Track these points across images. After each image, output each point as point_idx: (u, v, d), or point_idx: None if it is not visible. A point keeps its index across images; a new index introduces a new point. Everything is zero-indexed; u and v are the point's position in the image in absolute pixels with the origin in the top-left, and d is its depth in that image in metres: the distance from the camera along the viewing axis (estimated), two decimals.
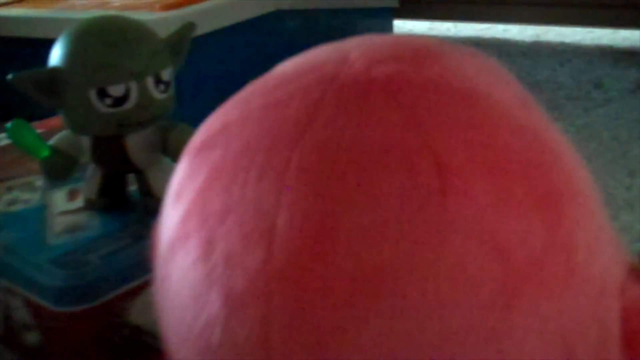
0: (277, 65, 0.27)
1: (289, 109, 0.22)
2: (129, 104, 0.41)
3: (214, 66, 0.77)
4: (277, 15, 0.86)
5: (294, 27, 0.91)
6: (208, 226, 0.21)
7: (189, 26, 0.45)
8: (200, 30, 0.64)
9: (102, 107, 0.40)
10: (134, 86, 0.40)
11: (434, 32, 1.30)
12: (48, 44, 0.77)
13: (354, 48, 0.24)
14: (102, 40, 0.41)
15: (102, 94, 0.40)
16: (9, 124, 0.42)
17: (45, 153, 0.43)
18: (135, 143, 0.43)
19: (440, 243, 0.19)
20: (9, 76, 0.40)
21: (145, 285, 0.40)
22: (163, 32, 0.44)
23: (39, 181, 0.51)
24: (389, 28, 1.13)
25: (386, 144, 0.20)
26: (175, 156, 0.43)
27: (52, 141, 0.44)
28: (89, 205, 0.45)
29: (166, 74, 0.42)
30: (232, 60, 0.81)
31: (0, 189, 0.50)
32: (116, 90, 0.40)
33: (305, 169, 0.20)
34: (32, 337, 0.42)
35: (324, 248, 0.20)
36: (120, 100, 0.40)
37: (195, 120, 0.46)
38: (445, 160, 0.20)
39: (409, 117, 0.21)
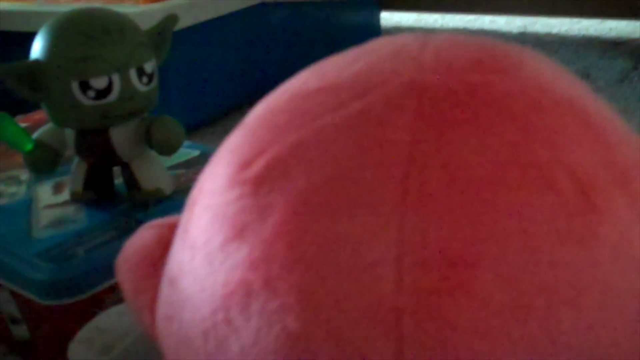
0: (316, 67, 0.24)
1: (382, 127, 0.19)
2: (112, 96, 0.40)
3: (198, 59, 0.77)
4: (262, 8, 0.86)
5: (279, 19, 0.91)
6: (301, 268, 0.18)
7: (172, 18, 0.45)
8: (183, 23, 0.64)
9: (85, 100, 0.40)
10: (116, 78, 0.40)
11: (421, 24, 1.30)
12: (32, 37, 0.77)
13: (417, 51, 0.21)
14: (83, 32, 0.40)
15: (85, 86, 0.40)
16: None
17: (29, 147, 0.43)
18: (120, 135, 0.43)
19: (593, 264, 0.18)
20: None
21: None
22: (147, 25, 0.44)
23: (24, 175, 0.50)
24: (376, 20, 1.13)
25: (515, 160, 0.18)
26: (158, 148, 0.42)
27: (35, 135, 0.44)
28: (75, 198, 0.45)
29: (149, 66, 0.42)
30: (217, 53, 0.81)
31: None
32: (99, 82, 0.40)
33: (430, 196, 0.18)
34: (20, 331, 0.42)
35: (466, 279, 0.17)
36: (103, 93, 0.40)
37: (179, 114, 0.46)
38: (582, 176, 0.18)
39: (528, 130, 0.19)
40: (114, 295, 0.40)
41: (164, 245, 0.24)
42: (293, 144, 0.20)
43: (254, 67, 0.87)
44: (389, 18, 1.29)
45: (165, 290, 0.22)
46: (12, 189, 0.48)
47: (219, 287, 0.19)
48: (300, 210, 0.18)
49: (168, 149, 0.43)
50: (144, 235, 0.25)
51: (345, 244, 0.18)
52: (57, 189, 0.48)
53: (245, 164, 0.20)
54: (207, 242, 0.20)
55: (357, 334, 0.17)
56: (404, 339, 0.17)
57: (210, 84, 0.81)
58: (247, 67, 0.87)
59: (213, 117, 0.81)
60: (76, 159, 0.45)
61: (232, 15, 0.81)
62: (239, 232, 0.19)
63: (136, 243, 0.25)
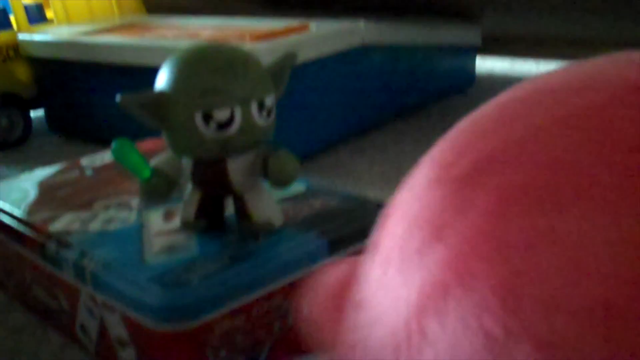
0: (521, 83, 0.22)
1: (606, 122, 0.17)
2: (233, 129, 0.41)
3: (301, 97, 0.78)
4: (363, 50, 0.87)
5: (378, 62, 0.91)
6: (502, 264, 0.17)
7: (291, 56, 0.45)
8: None
9: (207, 131, 0.41)
10: (238, 111, 0.41)
11: (515, 70, 1.29)
12: (139, 70, 0.79)
13: None
14: (209, 65, 0.41)
15: (208, 118, 0.40)
16: (114, 143, 0.43)
17: (147, 174, 0.43)
18: (236, 167, 0.43)
19: None
20: (117, 97, 0.40)
21: (245, 308, 0.40)
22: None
23: (134, 201, 0.51)
24: (472, 65, 1.13)
25: None
26: (274, 180, 0.43)
27: (153, 162, 0.44)
28: (186, 227, 0.46)
29: (269, 100, 0.42)
30: (318, 92, 0.82)
31: (97, 208, 0.51)
32: (221, 114, 0.40)
33: None
34: (127, 354, 0.42)
35: None
36: (224, 125, 0.41)
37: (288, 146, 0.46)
38: None
39: None
40: (225, 323, 0.40)
41: (349, 280, 0.23)
42: (501, 142, 0.18)
43: (355, 105, 0.88)
44: (481, 64, 1.28)
45: (350, 319, 0.21)
46: (124, 214, 0.49)
47: (413, 293, 0.18)
48: (506, 204, 0.17)
49: (284, 182, 0.43)
50: (327, 273, 0.24)
51: (556, 240, 0.16)
52: (168, 216, 0.48)
53: (449, 165, 0.19)
54: (402, 249, 0.19)
55: (567, 335, 0.15)
56: (615, 340, 0.15)
57: (312, 119, 0.82)
58: (348, 105, 0.87)
59: (316, 151, 0.82)
60: (189, 188, 0.46)
61: (333, 56, 0.82)
62: (437, 232, 0.18)
63: (319, 282, 0.24)
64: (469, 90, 1.11)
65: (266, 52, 0.44)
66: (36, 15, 1.03)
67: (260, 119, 0.42)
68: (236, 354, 0.41)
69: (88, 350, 0.46)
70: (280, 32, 0.81)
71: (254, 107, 0.41)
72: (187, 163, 0.44)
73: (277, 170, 0.42)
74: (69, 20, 1.07)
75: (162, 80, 0.42)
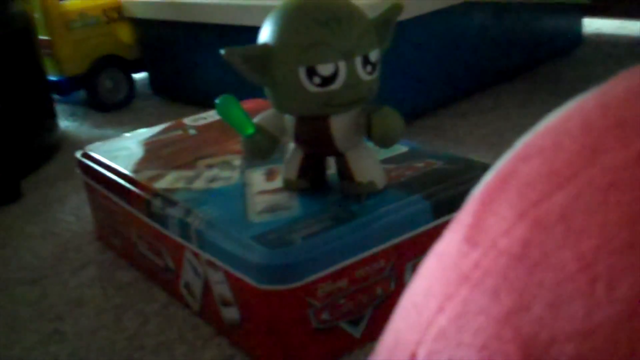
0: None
1: None
2: (337, 84, 0.40)
3: (402, 57, 0.76)
4: (467, 7, 0.84)
5: (481, 20, 0.88)
6: None
7: (397, 8, 0.44)
8: None
9: (310, 86, 0.40)
10: (342, 66, 0.40)
11: (624, 32, 1.23)
12: (242, 30, 0.79)
13: None
14: (313, 19, 0.40)
15: (312, 72, 0.40)
16: (218, 99, 0.43)
17: (250, 130, 0.43)
18: (340, 124, 0.42)
19: None
20: (222, 50, 0.40)
21: (347, 270, 0.40)
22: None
23: (237, 160, 0.51)
24: (578, 26, 1.08)
25: None
26: (378, 139, 0.42)
27: (255, 119, 0.44)
28: (288, 186, 0.45)
29: (374, 55, 0.41)
30: (419, 52, 0.80)
31: (200, 166, 0.51)
32: (325, 69, 0.40)
33: None
34: (230, 313, 0.42)
35: None
36: (328, 80, 0.40)
37: (393, 105, 0.45)
38: None
39: None
40: (327, 285, 0.39)
41: None
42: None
43: (457, 66, 0.85)
44: (588, 25, 1.22)
45: None
46: (226, 173, 0.49)
47: (551, 281, 0.15)
48: None
49: (388, 141, 0.42)
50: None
51: None
52: (269, 176, 0.48)
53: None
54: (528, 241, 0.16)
55: None
56: None
57: (416, 77, 0.80)
58: (450, 66, 0.85)
59: (416, 114, 0.80)
60: (292, 147, 0.45)
61: (436, 13, 0.80)
62: (581, 227, 0.15)
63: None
64: (576, 51, 1.07)
65: (368, 8, 0.42)
66: None
67: (364, 74, 0.41)
68: (338, 317, 0.40)
69: (192, 308, 0.47)
70: None
71: (358, 62, 0.40)
72: (289, 120, 0.43)
73: (381, 128, 0.41)
74: None
75: (266, 33, 0.41)
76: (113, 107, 0.99)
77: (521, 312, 0.15)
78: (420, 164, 0.47)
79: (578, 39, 1.08)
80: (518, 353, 0.14)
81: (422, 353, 0.17)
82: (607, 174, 0.15)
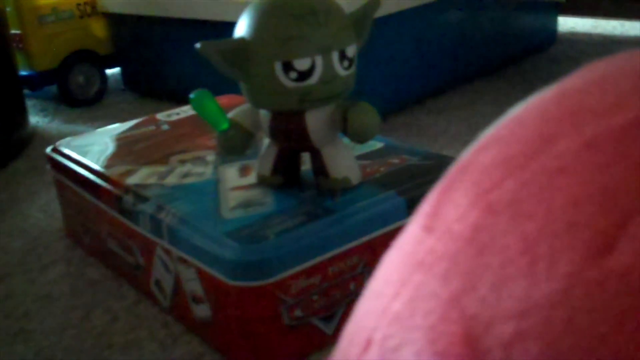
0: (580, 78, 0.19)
1: None
2: (313, 79, 0.39)
3: (378, 52, 0.76)
4: (443, 4, 0.84)
5: (458, 16, 0.88)
6: None
7: (374, 4, 0.43)
8: None
9: (287, 81, 0.39)
10: (319, 61, 0.39)
11: (598, 30, 1.23)
12: (216, 26, 0.78)
13: None
14: (291, 13, 0.40)
15: (288, 67, 0.39)
16: (193, 94, 0.42)
17: (225, 126, 0.42)
18: (315, 120, 0.42)
19: None
20: (197, 44, 0.39)
21: (320, 267, 0.39)
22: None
23: (211, 156, 0.51)
24: (553, 23, 1.08)
25: None
26: (354, 135, 0.41)
27: (230, 115, 0.43)
28: (262, 182, 0.45)
29: (351, 51, 0.41)
30: (396, 48, 0.79)
31: (173, 162, 0.50)
32: (302, 64, 0.39)
33: None
34: (202, 310, 0.41)
35: None
36: (304, 75, 0.39)
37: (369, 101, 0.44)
38: None
39: None
40: (300, 281, 0.39)
41: None
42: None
43: (433, 63, 0.85)
44: (563, 23, 1.23)
45: None
46: (200, 169, 0.49)
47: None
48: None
49: (364, 137, 0.41)
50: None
51: None
52: (243, 171, 0.47)
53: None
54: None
55: None
56: None
57: (389, 77, 0.79)
58: (426, 63, 0.85)
59: (392, 110, 0.80)
60: (266, 143, 0.44)
61: (414, 9, 0.79)
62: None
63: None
64: (551, 49, 1.07)
65: (344, 4, 0.42)
66: None
67: (341, 70, 0.40)
68: (311, 313, 0.40)
69: (162, 306, 0.46)
70: None
71: (335, 57, 0.40)
72: (265, 115, 0.42)
73: (357, 124, 0.41)
74: None
75: (243, 28, 0.40)
76: (85, 103, 0.98)
77: (467, 294, 0.15)
78: (395, 160, 0.47)
79: (553, 37, 1.08)
80: (461, 333, 0.15)
81: (377, 337, 0.17)
82: (557, 159, 0.16)
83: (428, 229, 0.18)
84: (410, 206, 0.42)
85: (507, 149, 0.17)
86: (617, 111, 0.16)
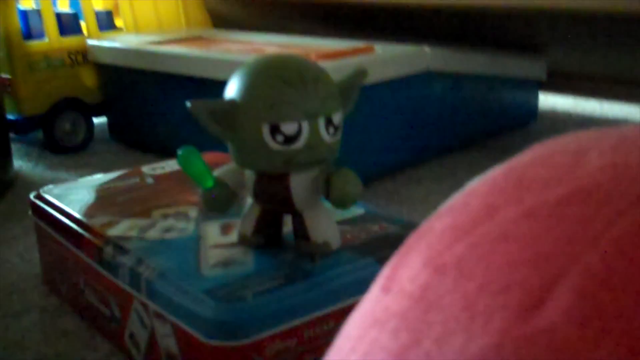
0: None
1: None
2: (299, 144, 0.40)
3: (362, 120, 0.77)
4: (427, 76, 0.86)
5: (441, 90, 0.90)
6: None
7: (361, 73, 0.45)
8: None
9: (273, 144, 0.40)
10: (306, 126, 0.40)
11: (578, 110, 1.26)
12: (204, 82, 0.79)
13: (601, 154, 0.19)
14: (279, 77, 0.41)
15: (275, 130, 0.40)
16: (180, 150, 0.43)
17: (210, 183, 0.43)
18: (299, 183, 0.42)
19: None
20: (188, 103, 0.40)
21: (296, 330, 0.40)
22: None
23: (193, 212, 0.51)
24: (535, 100, 1.11)
25: None
26: (336, 200, 0.42)
27: (216, 173, 0.44)
28: (243, 241, 0.45)
29: (337, 118, 0.42)
30: (379, 117, 0.81)
31: (156, 216, 0.50)
32: (289, 128, 0.40)
33: None
34: None
35: None
36: (291, 139, 0.40)
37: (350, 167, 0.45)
38: None
39: None
40: (276, 343, 0.39)
41: None
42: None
43: (415, 133, 0.87)
44: (544, 100, 1.26)
45: None
46: (182, 224, 0.49)
47: None
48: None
49: (346, 203, 0.42)
50: None
51: None
52: (225, 229, 0.48)
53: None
54: None
55: None
56: None
57: (371, 145, 0.81)
58: (408, 132, 0.86)
59: (373, 177, 0.81)
60: (249, 203, 0.45)
61: (398, 80, 0.81)
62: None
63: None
64: (531, 125, 1.09)
65: (331, 72, 0.43)
66: (105, 23, 1.05)
67: (327, 136, 0.41)
68: None
69: (135, 359, 0.46)
70: (346, 52, 0.80)
71: (321, 123, 0.41)
72: (250, 176, 0.43)
73: (339, 190, 0.41)
74: (137, 29, 1.08)
75: (233, 89, 0.42)
76: (69, 150, 0.98)
77: (412, 348, 0.16)
78: (375, 228, 0.48)
79: (534, 113, 1.11)
80: None
81: None
82: (499, 226, 0.18)
83: (385, 289, 0.19)
84: None
85: (459, 217, 0.19)
86: (554, 185, 0.18)
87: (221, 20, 1.20)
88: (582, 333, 0.14)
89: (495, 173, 0.21)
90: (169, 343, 0.42)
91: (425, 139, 0.89)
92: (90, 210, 0.52)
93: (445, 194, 0.84)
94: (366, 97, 0.76)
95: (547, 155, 0.20)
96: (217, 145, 0.49)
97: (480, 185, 0.20)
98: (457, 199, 0.21)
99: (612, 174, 0.17)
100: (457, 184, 0.77)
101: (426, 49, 0.85)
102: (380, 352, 0.17)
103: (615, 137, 0.20)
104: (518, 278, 0.16)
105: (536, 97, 1.12)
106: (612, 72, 1.17)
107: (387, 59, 0.81)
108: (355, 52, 0.81)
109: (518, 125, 1.07)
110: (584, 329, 0.14)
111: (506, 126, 1.04)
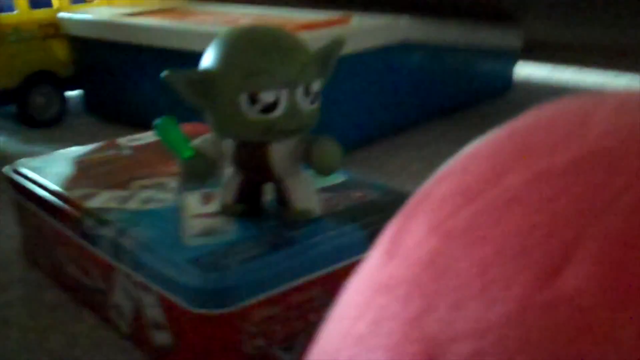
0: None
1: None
2: (278, 112, 0.40)
3: (339, 91, 0.77)
4: (404, 47, 0.86)
5: (418, 60, 0.90)
6: None
7: (339, 42, 0.44)
8: None
9: (251, 113, 0.40)
10: (284, 94, 0.40)
11: (554, 78, 1.27)
12: (179, 54, 0.79)
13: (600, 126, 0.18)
14: (257, 46, 0.41)
15: (253, 99, 0.40)
16: (158, 120, 0.42)
17: (188, 153, 0.43)
18: (278, 152, 0.42)
19: None
20: (163, 73, 0.40)
21: (282, 297, 0.40)
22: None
23: (173, 183, 0.51)
24: (510, 70, 1.11)
25: None
26: (317, 167, 0.42)
27: (194, 143, 0.44)
28: (225, 211, 0.45)
29: (315, 86, 0.42)
30: (357, 87, 0.81)
31: (135, 187, 0.50)
32: (267, 96, 0.40)
33: None
34: (162, 337, 0.41)
35: None
36: (269, 108, 0.40)
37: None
38: None
39: None
40: (262, 310, 0.39)
41: None
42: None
43: (392, 103, 0.87)
44: (519, 70, 1.26)
45: None
46: (162, 195, 0.49)
47: None
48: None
49: (327, 170, 0.42)
50: None
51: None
52: (206, 199, 0.48)
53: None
54: None
55: None
56: None
57: (350, 115, 0.81)
58: (386, 102, 0.86)
59: (352, 147, 0.81)
60: (230, 172, 0.45)
61: (375, 50, 0.81)
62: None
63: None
64: (507, 95, 1.10)
65: (309, 43, 0.43)
66: None
67: (305, 104, 0.41)
68: (272, 343, 0.40)
69: (121, 331, 0.46)
70: (322, 23, 0.80)
71: (299, 92, 0.41)
72: (229, 145, 0.43)
73: (320, 157, 0.42)
74: (110, 0, 1.07)
75: (210, 59, 0.41)
76: (43, 124, 0.97)
77: (427, 315, 0.16)
78: (357, 194, 0.48)
79: (509, 83, 1.11)
80: (422, 351, 0.16)
81: (341, 359, 0.18)
82: (507, 192, 0.18)
83: (390, 255, 0.19)
84: (371, 240, 0.43)
85: (462, 181, 0.19)
86: (558, 150, 0.18)
87: None
88: (604, 298, 0.14)
89: (495, 137, 0.20)
90: (155, 313, 0.41)
91: (403, 109, 0.89)
92: (69, 183, 0.52)
93: (424, 162, 0.84)
94: (344, 67, 0.76)
95: (547, 120, 0.20)
96: (192, 117, 0.49)
97: (480, 150, 0.20)
98: (456, 163, 0.20)
99: (618, 137, 0.17)
100: (435, 152, 0.78)
101: (403, 19, 0.85)
102: (391, 320, 0.17)
103: (614, 101, 0.20)
104: (535, 242, 0.16)
105: (512, 67, 1.12)
106: (588, 40, 1.18)
107: (364, 29, 0.81)
108: (332, 22, 0.81)
109: (494, 95, 1.07)
110: (606, 293, 0.14)
111: (483, 95, 1.05)
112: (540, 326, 0.14)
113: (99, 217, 0.46)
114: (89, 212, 0.47)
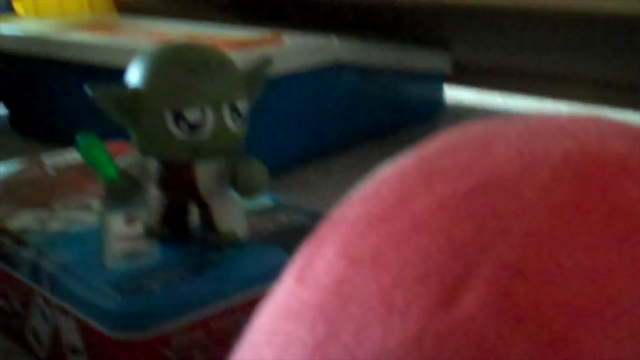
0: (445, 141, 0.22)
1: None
2: (204, 132, 0.40)
3: (270, 111, 0.77)
4: (335, 68, 0.86)
5: (349, 81, 0.91)
6: None
7: (267, 61, 0.44)
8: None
9: (177, 132, 0.40)
10: (210, 113, 0.40)
11: (483, 103, 1.30)
12: (107, 70, 0.78)
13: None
14: (184, 63, 0.40)
15: (179, 117, 0.39)
16: (80, 138, 0.41)
17: (112, 173, 0.42)
18: (204, 173, 0.42)
19: None
20: (89, 90, 0.39)
21: (204, 322, 0.39)
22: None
23: (96, 203, 0.50)
24: (440, 93, 1.13)
25: None
26: (242, 189, 0.42)
27: (118, 162, 0.43)
28: (149, 233, 0.44)
29: (242, 105, 0.41)
30: (287, 108, 0.81)
31: (57, 207, 0.49)
32: (192, 114, 0.39)
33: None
34: None
35: None
36: (195, 127, 0.40)
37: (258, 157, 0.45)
38: None
39: None
40: (182, 336, 0.38)
41: None
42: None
43: (323, 125, 0.87)
44: (449, 93, 1.28)
45: None
46: (84, 216, 0.48)
47: None
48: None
49: (252, 191, 0.42)
50: None
51: None
52: (130, 220, 0.47)
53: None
54: None
55: None
56: None
57: (279, 136, 0.81)
58: (316, 124, 0.86)
59: (281, 168, 0.81)
60: (154, 193, 0.44)
61: (306, 72, 0.81)
62: None
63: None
64: (438, 118, 1.12)
65: (239, 62, 0.43)
66: (3, 6, 1.01)
67: (232, 124, 0.41)
68: None
69: (38, 356, 0.44)
70: (253, 42, 0.80)
71: (226, 110, 0.40)
72: (153, 165, 0.42)
73: (246, 178, 0.41)
74: (37, 13, 1.04)
75: (135, 76, 0.41)
76: None
77: (331, 341, 0.16)
78: (283, 218, 0.48)
79: (440, 106, 1.13)
80: None
81: None
82: (412, 217, 0.18)
83: (299, 280, 0.19)
84: None
85: (371, 206, 0.19)
86: (464, 175, 0.18)
87: (125, 7, 1.17)
88: (498, 323, 0.14)
89: (405, 161, 0.21)
90: (73, 338, 0.40)
91: (334, 131, 0.90)
92: None
93: (354, 184, 0.85)
94: (275, 88, 0.76)
95: (456, 144, 0.21)
96: (118, 133, 0.48)
97: (391, 174, 0.20)
98: (368, 187, 0.21)
99: (519, 163, 0.18)
100: (366, 175, 0.78)
101: (335, 40, 0.85)
102: (296, 346, 0.17)
103: (519, 126, 0.20)
104: (433, 269, 0.16)
105: (442, 90, 1.14)
106: (517, 66, 1.21)
107: (295, 49, 0.81)
108: (263, 41, 0.81)
109: (424, 118, 1.09)
110: (499, 319, 0.14)
111: (413, 118, 1.06)
112: (435, 354, 0.14)
113: (18, 238, 0.45)
114: (8, 233, 0.45)
